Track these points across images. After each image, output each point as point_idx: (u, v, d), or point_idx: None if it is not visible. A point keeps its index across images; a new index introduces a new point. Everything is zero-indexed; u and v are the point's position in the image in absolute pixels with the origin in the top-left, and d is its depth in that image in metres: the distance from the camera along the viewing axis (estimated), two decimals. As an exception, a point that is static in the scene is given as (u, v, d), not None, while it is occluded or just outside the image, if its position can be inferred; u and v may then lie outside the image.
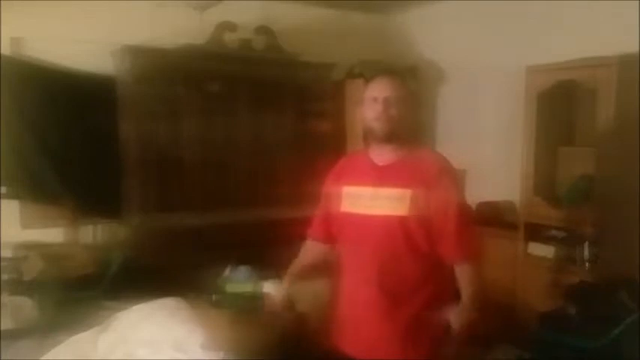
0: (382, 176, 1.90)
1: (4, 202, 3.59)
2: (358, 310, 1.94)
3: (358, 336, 1.93)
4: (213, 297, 2.95)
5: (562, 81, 3.30)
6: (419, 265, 1.86)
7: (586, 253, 3.25)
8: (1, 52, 3.51)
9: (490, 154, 4.13)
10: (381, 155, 1.94)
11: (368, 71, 4.32)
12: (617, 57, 3.06)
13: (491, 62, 4.01)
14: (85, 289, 2.92)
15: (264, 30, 4.22)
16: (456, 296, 1.95)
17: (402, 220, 1.83)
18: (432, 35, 4.59)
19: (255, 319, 2.69)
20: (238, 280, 3.10)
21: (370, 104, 1.90)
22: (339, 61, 4.45)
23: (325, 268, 2.18)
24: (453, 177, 1.93)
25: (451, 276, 1.91)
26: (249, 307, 2.86)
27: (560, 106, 3.51)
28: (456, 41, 4.34)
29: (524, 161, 3.51)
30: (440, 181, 1.85)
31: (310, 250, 2.17)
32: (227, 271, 3.18)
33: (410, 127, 1.94)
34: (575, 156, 3.47)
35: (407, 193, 1.84)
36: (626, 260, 3.13)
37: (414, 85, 4.34)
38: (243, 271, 3.16)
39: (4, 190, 3.60)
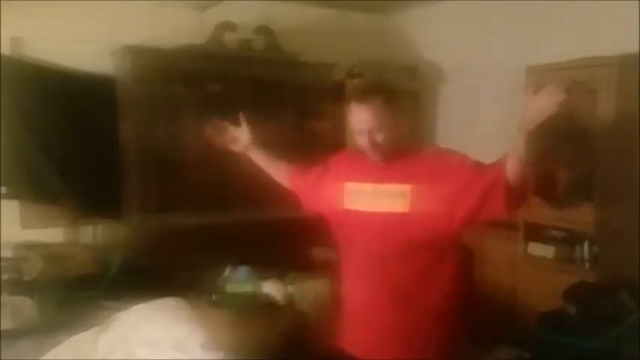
0: (383, 172, 1.88)
1: (4, 202, 3.59)
2: (360, 310, 1.92)
3: (361, 335, 1.91)
4: (213, 297, 2.96)
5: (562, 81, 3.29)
6: (421, 263, 1.83)
7: (586, 253, 3.26)
8: (1, 52, 3.51)
9: (490, 154, 4.12)
10: None
11: (368, 71, 4.32)
12: (617, 57, 3.06)
13: (491, 62, 4.01)
14: (85, 289, 2.91)
15: (264, 30, 4.22)
16: (457, 295, 1.94)
17: (402, 217, 1.81)
18: (432, 35, 4.58)
19: (255, 319, 2.69)
20: (238, 280, 3.11)
21: (357, 133, 1.84)
22: (339, 61, 4.44)
23: (325, 268, 2.18)
24: (458, 155, 1.93)
25: (453, 274, 1.91)
26: (249, 307, 2.87)
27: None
28: (456, 41, 4.34)
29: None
30: (445, 166, 1.85)
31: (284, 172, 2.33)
32: (227, 271, 3.19)
33: (405, 136, 1.88)
34: (575, 156, 3.47)
35: (407, 188, 1.81)
36: (626, 260, 3.13)
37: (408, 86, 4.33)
38: (243, 271, 3.16)
39: (4, 190, 3.60)
